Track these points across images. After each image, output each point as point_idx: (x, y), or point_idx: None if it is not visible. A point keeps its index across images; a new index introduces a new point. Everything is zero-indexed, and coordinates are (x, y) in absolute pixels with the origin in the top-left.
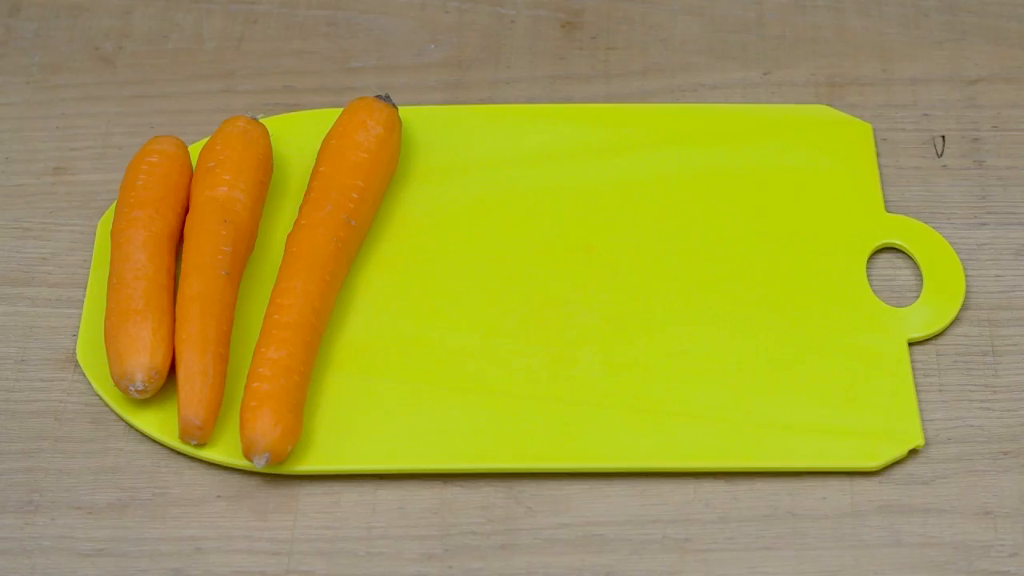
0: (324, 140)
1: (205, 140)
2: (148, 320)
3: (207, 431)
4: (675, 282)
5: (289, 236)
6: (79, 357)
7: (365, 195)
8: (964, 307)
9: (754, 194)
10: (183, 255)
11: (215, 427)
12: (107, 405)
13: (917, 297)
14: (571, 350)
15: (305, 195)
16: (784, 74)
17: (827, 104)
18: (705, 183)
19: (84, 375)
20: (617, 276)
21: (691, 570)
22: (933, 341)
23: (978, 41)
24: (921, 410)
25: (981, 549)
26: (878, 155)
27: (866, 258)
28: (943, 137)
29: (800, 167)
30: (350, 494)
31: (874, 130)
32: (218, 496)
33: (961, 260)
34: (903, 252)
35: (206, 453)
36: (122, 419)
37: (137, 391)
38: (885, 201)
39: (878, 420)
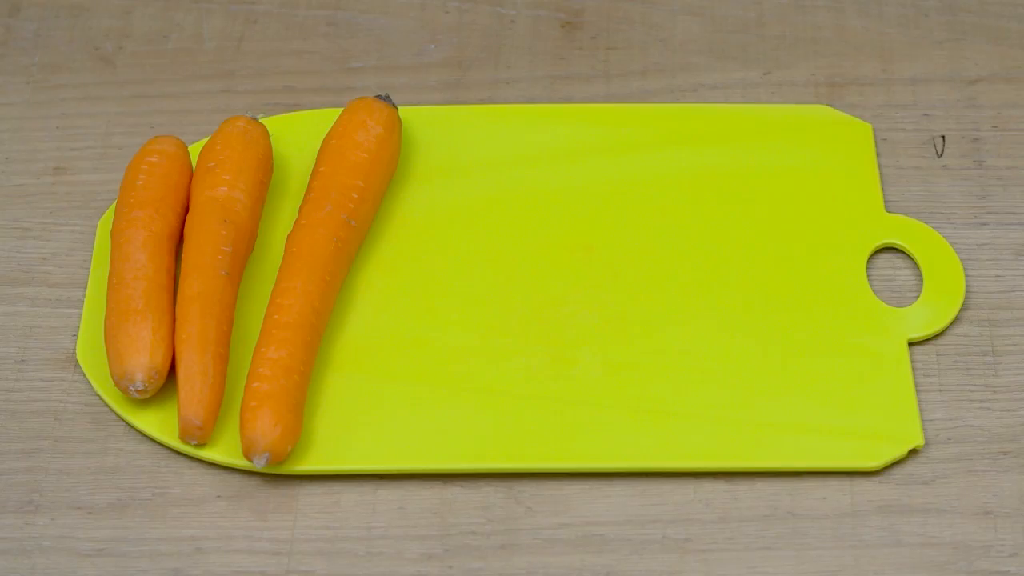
0: (324, 140)
1: (205, 140)
2: (148, 320)
3: (207, 431)
4: (675, 282)
5: (289, 236)
6: (79, 357)
7: (365, 195)
8: (964, 307)
9: (754, 194)
10: (183, 255)
11: (215, 427)
12: (107, 405)
13: (917, 297)
14: (571, 350)
15: (305, 195)
16: (784, 74)
17: (827, 104)
18: (705, 183)
19: (84, 375)
20: (617, 276)
21: (691, 570)
22: (933, 341)
23: (978, 41)
24: (921, 410)
25: (981, 549)
26: (878, 155)
27: (866, 258)
28: (943, 137)
29: (800, 167)
30: (350, 494)
31: (874, 130)
32: (218, 496)
33: (961, 260)
34: (903, 252)
35: (206, 453)
36: (122, 419)
37: (137, 391)
38: (885, 201)
39: (878, 420)
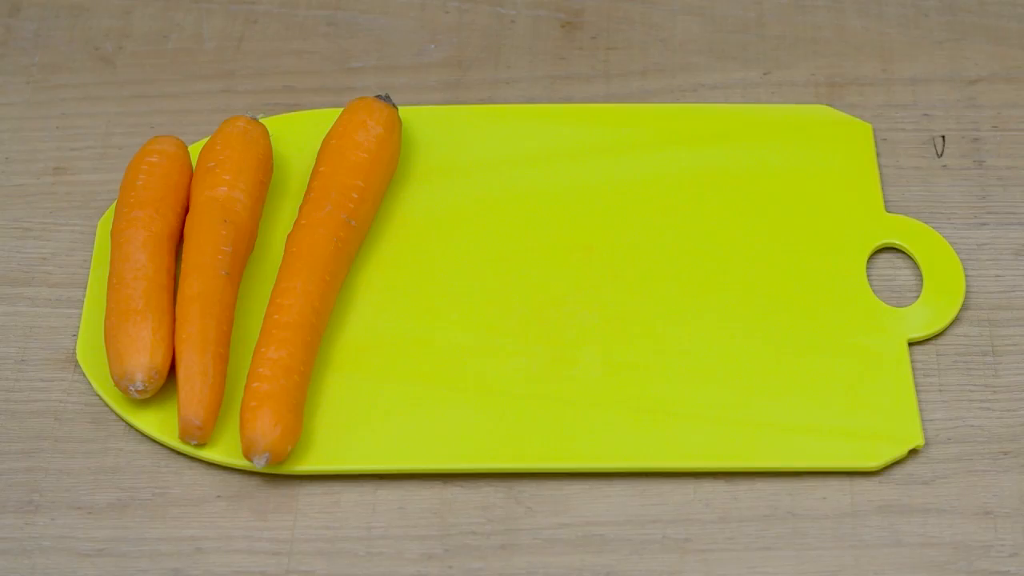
0: (324, 140)
1: (205, 140)
2: (148, 320)
3: (207, 431)
4: (675, 282)
5: (289, 236)
6: (79, 357)
7: (365, 195)
8: (964, 307)
9: (754, 194)
10: (183, 255)
11: (215, 427)
12: (107, 405)
13: (917, 297)
14: (571, 350)
15: (305, 195)
16: (784, 74)
17: (827, 104)
18: (705, 183)
19: (84, 375)
20: (617, 276)
21: (691, 570)
22: (933, 341)
23: (978, 41)
24: (921, 410)
25: (981, 549)
26: (878, 155)
27: (866, 258)
28: (943, 137)
29: (800, 167)
30: (350, 494)
31: (874, 130)
32: (218, 496)
33: (961, 260)
34: (903, 252)
35: (206, 453)
36: (122, 419)
37: (137, 391)
38: (885, 201)
39: (878, 420)
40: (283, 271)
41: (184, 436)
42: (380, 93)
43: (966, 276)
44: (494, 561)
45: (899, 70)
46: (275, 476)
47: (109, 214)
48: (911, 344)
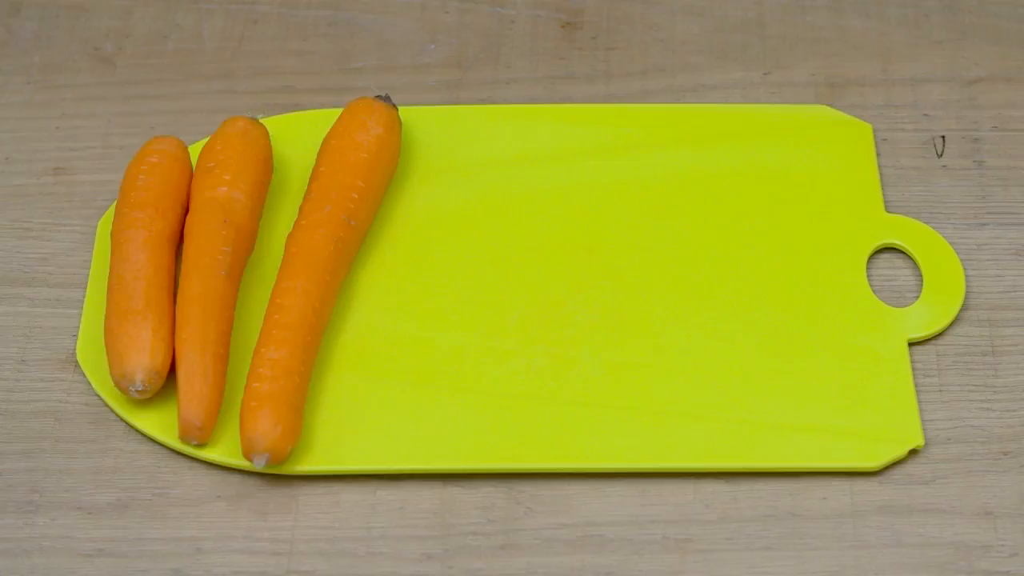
0: (324, 140)
1: (205, 140)
2: (148, 320)
3: (207, 431)
4: (675, 282)
5: (289, 236)
6: (79, 357)
7: (365, 195)
8: (964, 307)
9: (754, 194)
10: (183, 255)
11: (215, 427)
12: (107, 405)
13: (917, 297)
14: (571, 350)
15: (305, 195)
16: (784, 74)
17: (827, 104)
18: (705, 183)
19: (84, 375)
20: (617, 276)
21: (691, 570)
22: (933, 341)
23: (978, 41)
24: (921, 410)
25: (981, 549)
26: (878, 155)
27: (866, 258)
28: (943, 137)
29: (800, 167)
30: (350, 494)
31: (874, 130)
32: (218, 496)
33: (961, 260)
34: (903, 252)
35: (206, 453)
36: (122, 419)
37: (137, 391)
38: (885, 201)
39: (878, 420)
40: (283, 271)
41: (184, 437)
42: (380, 93)
43: (966, 276)
44: (494, 561)
45: (899, 70)
46: (275, 476)
47: (109, 214)
48: (911, 344)
